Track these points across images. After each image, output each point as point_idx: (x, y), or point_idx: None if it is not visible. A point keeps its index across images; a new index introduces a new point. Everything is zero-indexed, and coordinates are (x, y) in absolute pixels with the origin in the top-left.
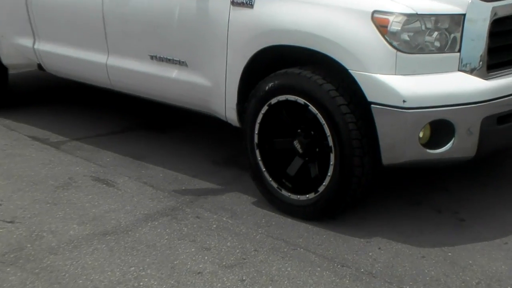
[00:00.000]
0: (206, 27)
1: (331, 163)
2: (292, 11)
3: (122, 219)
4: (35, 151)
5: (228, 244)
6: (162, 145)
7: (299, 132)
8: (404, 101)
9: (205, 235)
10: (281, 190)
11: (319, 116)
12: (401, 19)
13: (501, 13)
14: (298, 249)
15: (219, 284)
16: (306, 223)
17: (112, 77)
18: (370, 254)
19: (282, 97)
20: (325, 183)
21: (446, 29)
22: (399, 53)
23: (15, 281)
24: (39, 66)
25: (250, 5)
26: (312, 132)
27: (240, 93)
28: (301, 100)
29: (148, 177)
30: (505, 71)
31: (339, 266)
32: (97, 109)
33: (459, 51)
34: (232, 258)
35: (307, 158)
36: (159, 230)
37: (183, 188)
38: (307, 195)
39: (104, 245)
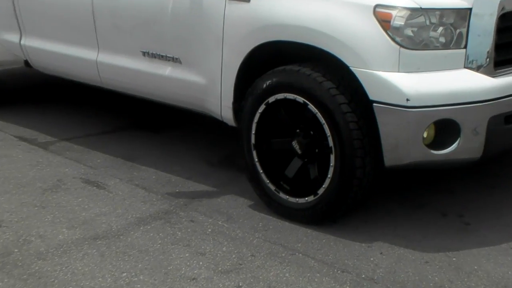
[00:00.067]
0: (200, 22)
1: (331, 164)
2: (290, 5)
3: (114, 223)
4: (22, 152)
5: (224, 249)
6: (155, 146)
7: (298, 132)
8: (407, 100)
9: (200, 240)
10: (279, 192)
11: (319, 115)
12: (405, 13)
13: (509, 8)
14: (297, 254)
15: None
16: (305, 227)
17: (102, 75)
18: (372, 259)
19: (280, 96)
20: (325, 185)
21: (451, 24)
22: (402, 49)
23: (2, 287)
24: (26, 63)
25: None
26: (312, 132)
27: (236, 91)
28: (300, 99)
29: (140, 179)
30: None
31: (339, 271)
32: (87, 108)
33: (465, 47)
34: (228, 264)
35: (306, 159)
36: (152, 234)
37: (177, 190)
38: (306, 198)
39: (94, 250)
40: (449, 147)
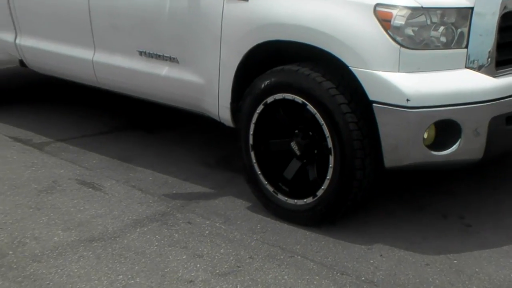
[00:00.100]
0: (198, 21)
1: (331, 165)
2: (289, 4)
3: (110, 224)
4: (17, 153)
5: (222, 251)
6: (152, 147)
7: (296, 133)
8: (407, 100)
9: (197, 242)
10: (277, 194)
11: (318, 115)
12: (405, 12)
13: (511, 7)
14: (296, 256)
15: None
16: (304, 229)
17: (98, 74)
18: (372, 261)
19: (278, 96)
20: (324, 186)
21: (452, 24)
22: (402, 49)
23: None
24: (21, 63)
25: None
26: (311, 133)
27: (234, 91)
28: (298, 99)
29: (136, 180)
30: None
31: (338, 274)
32: (82, 108)
33: (466, 47)
34: (225, 266)
35: (305, 160)
36: (148, 236)
37: (174, 192)
38: (305, 200)
39: (90, 252)
40: (449, 148)
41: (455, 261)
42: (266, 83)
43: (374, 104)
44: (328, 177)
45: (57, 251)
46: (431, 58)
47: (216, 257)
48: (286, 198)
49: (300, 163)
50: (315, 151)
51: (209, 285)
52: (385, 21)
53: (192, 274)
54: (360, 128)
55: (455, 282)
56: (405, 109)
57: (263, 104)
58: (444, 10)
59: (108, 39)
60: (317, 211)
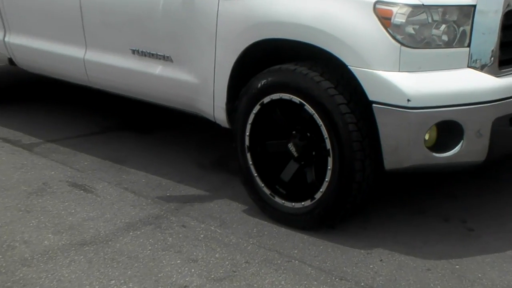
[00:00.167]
0: (193, 18)
1: (329, 167)
2: (287, 2)
3: (102, 228)
4: (6, 154)
5: (217, 255)
6: (145, 148)
7: (294, 134)
8: (408, 100)
9: (192, 246)
10: (274, 197)
11: (316, 116)
12: (406, 10)
13: None
14: (293, 261)
15: None
16: (302, 233)
17: (90, 73)
18: (371, 266)
19: (275, 96)
20: (323, 189)
21: (454, 22)
22: (403, 47)
23: None
24: (10, 61)
25: None
26: (309, 134)
27: (230, 91)
28: (296, 99)
29: (129, 182)
30: None
31: (337, 279)
32: (73, 108)
33: (469, 45)
34: (221, 271)
35: (302, 162)
36: (141, 240)
37: (168, 194)
38: (303, 203)
39: (82, 257)
40: (451, 149)
41: (457, 266)
42: (262, 83)
43: (374, 105)
44: (326, 179)
45: (47, 255)
46: (433, 57)
47: (211, 261)
48: (283, 201)
49: (298, 165)
50: (313, 153)
51: None
52: (385, 19)
53: (187, 279)
54: (359, 129)
55: None
56: (405, 109)
57: (259, 104)
58: (446, 8)
59: (100, 37)
60: (315, 215)
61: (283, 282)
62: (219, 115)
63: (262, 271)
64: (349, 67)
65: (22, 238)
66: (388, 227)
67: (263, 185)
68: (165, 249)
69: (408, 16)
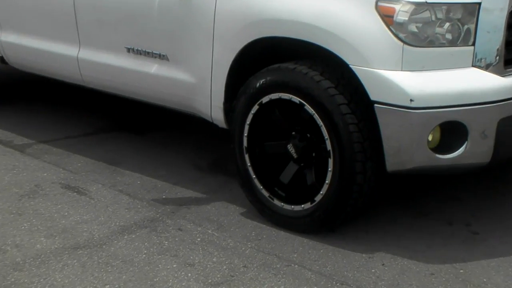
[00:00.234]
0: (190, 16)
1: (330, 169)
2: None
3: (96, 231)
4: None
5: (214, 259)
6: (140, 149)
7: (293, 135)
8: (411, 100)
9: (188, 250)
10: (273, 199)
11: (316, 116)
12: (409, 8)
13: None
14: (292, 265)
15: None
16: (301, 236)
17: (84, 72)
18: (373, 271)
19: (274, 95)
20: (323, 191)
21: (458, 20)
22: (406, 46)
23: None
24: (1, 59)
25: None
26: (308, 135)
27: (227, 91)
28: (296, 99)
29: (124, 184)
30: None
31: (338, 284)
32: (67, 108)
33: (473, 44)
34: (218, 275)
35: (302, 164)
36: (136, 243)
37: (164, 197)
38: (303, 205)
39: (75, 261)
40: (455, 151)
41: (461, 271)
42: (261, 82)
43: (375, 105)
44: (327, 181)
45: (39, 259)
46: (436, 56)
47: (208, 266)
48: (282, 204)
49: (297, 166)
50: (313, 154)
51: None
52: (387, 17)
53: (183, 284)
54: (360, 130)
55: None
56: (408, 109)
57: (258, 104)
58: (450, 6)
59: (94, 35)
60: (315, 218)
61: (282, 287)
62: (217, 115)
63: (261, 275)
64: (350, 66)
65: (14, 242)
66: (390, 230)
67: (261, 187)
68: (161, 253)
69: (411, 14)
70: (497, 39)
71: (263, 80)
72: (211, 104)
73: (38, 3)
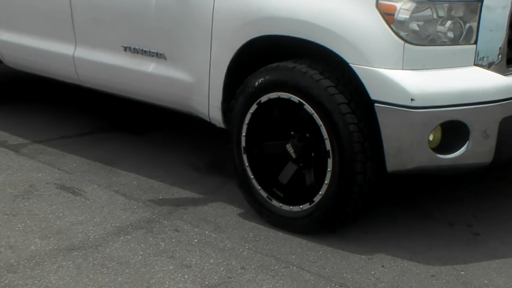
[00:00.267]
0: (187, 14)
1: (329, 169)
2: None
3: (91, 232)
4: None
5: (211, 261)
6: (137, 149)
7: (292, 135)
8: (412, 100)
9: (185, 251)
10: (271, 200)
11: (316, 116)
12: (410, 6)
13: None
14: (291, 267)
15: None
16: (300, 238)
17: (80, 71)
18: (373, 272)
19: (273, 95)
20: (322, 192)
21: (460, 18)
22: (407, 44)
23: None
24: None
25: None
26: (308, 135)
27: (225, 90)
28: (295, 98)
29: (120, 184)
30: None
31: (337, 286)
32: (62, 107)
33: (475, 42)
34: (215, 277)
35: (301, 164)
36: (132, 245)
37: (160, 197)
38: (301, 206)
39: (70, 262)
40: (457, 151)
41: (462, 272)
42: (260, 81)
43: (376, 104)
44: (326, 181)
45: (34, 261)
46: (438, 54)
47: (205, 267)
48: (280, 204)
49: (296, 166)
50: (312, 154)
51: None
52: (388, 15)
53: (180, 285)
54: (360, 130)
55: None
56: (409, 109)
57: (256, 104)
58: (452, 4)
59: (91, 33)
60: (314, 218)
61: None
62: (215, 114)
63: (259, 277)
64: (350, 64)
65: (8, 243)
66: (390, 231)
67: (259, 187)
68: (157, 254)
69: (412, 12)
70: (500, 37)
71: (262, 79)
72: (209, 104)
73: (33, 1)
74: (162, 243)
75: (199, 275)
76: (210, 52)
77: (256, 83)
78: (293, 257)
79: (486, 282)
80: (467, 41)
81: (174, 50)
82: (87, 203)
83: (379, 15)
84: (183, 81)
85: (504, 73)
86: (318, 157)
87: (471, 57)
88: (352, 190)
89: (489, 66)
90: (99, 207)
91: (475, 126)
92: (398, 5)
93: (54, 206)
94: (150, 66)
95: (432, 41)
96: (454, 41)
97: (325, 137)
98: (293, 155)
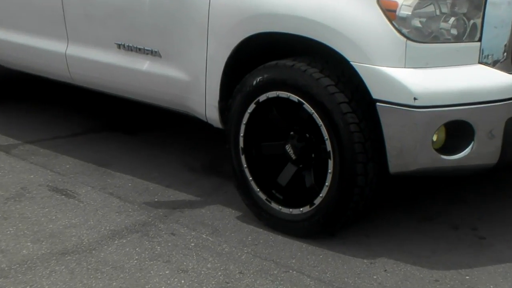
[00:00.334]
0: (183, 10)
1: (330, 170)
2: None
3: (85, 236)
4: None
5: (209, 265)
6: (131, 150)
7: (292, 135)
8: (414, 99)
9: (182, 255)
10: (270, 202)
11: (316, 116)
12: (412, 2)
13: None
14: (291, 271)
15: None
16: (300, 241)
17: (72, 69)
18: (375, 277)
19: (272, 94)
20: (322, 194)
21: (464, 14)
22: (409, 42)
23: None
24: None
25: None
26: (307, 135)
27: (222, 89)
28: (294, 97)
29: (114, 187)
30: None
31: None
32: (54, 107)
33: (480, 40)
34: (213, 282)
35: (301, 165)
36: (127, 249)
37: (156, 200)
38: (301, 209)
39: (63, 267)
40: (461, 152)
41: (467, 277)
42: (258, 80)
43: (377, 103)
44: (326, 183)
45: (26, 265)
46: (441, 52)
47: (202, 272)
48: (280, 207)
49: (296, 168)
50: (312, 155)
51: None
52: (389, 11)
53: None
54: (361, 130)
55: None
56: (412, 108)
57: (254, 103)
58: (455, 0)
59: (83, 30)
60: (315, 221)
61: None
62: (211, 114)
63: (258, 282)
64: (351, 63)
65: None
66: (393, 235)
67: (258, 189)
68: (153, 258)
69: (415, 8)
70: (505, 34)
71: (260, 77)
72: (205, 103)
73: None
74: (158, 247)
75: (196, 280)
76: (207, 49)
77: (254, 82)
78: (293, 261)
79: (492, 287)
80: (471, 38)
81: (169, 48)
82: (80, 205)
83: (380, 11)
84: (179, 79)
85: (509, 71)
86: (318, 158)
87: (475, 55)
88: (354, 192)
89: (494, 64)
90: (93, 210)
91: (480, 126)
92: (400, 1)
93: (47, 209)
94: (145, 64)
95: (435, 38)
96: (457, 38)
97: (326, 137)
98: (293, 156)
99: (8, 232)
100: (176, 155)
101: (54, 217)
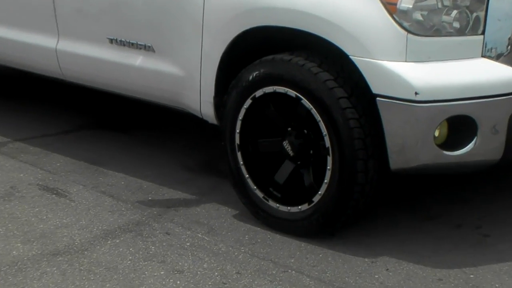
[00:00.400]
0: (177, 3)
1: (329, 167)
2: None
3: (76, 236)
4: None
5: (205, 265)
6: (124, 148)
7: (289, 131)
8: (416, 94)
9: (177, 255)
10: (268, 200)
11: (314, 111)
12: None
13: None
14: (289, 271)
15: None
16: (299, 240)
17: (63, 65)
18: (376, 276)
19: (269, 89)
20: (322, 192)
21: (467, 7)
22: (410, 35)
23: None
24: None
25: None
26: (305, 131)
27: (218, 84)
28: (292, 92)
29: (107, 185)
30: None
31: None
32: (44, 104)
33: (483, 33)
34: (209, 283)
35: (299, 162)
36: (121, 249)
37: (150, 198)
38: (300, 207)
39: (54, 268)
40: (464, 147)
41: (471, 276)
42: (254, 75)
43: (378, 98)
44: (325, 181)
45: (16, 267)
46: (443, 46)
47: (198, 272)
48: (278, 205)
49: (294, 165)
50: (311, 152)
51: None
52: (390, 5)
53: None
54: (361, 126)
55: None
56: (413, 103)
57: (251, 99)
58: None
59: (74, 25)
60: (314, 220)
61: None
62: (206, 110)
63: (255, 282)
64: (350, 57)
65: None
66: (394, 234)
67: (255, 187)
68: (147, 259)
69: (416, 1)
70: (509, 27)
71: (257, 72)
72: (200, 99)
73: None
74: (153, 247)
75: (192, 281)
76: (201, 44)
77: (251, 77)
78: (292, 261)
79: (497, 286)
80: (474, 32)
81: (163, 42)
82: (72, 205)
83: (380, 4)
84: (173, 75)
85: None
86: (317, 155)
87: (478, 48)
88: (354, 190)
89: (497, 57)
90: (85, 209)
91: (483, 121)
92: None
93: (37, 209)
94: (138, 60)
95: (437, 31)
96: (460, 32)
97: (324, 133)
98: (290, 153)
99: None
100: (170, 153)
101: (45, 217)
